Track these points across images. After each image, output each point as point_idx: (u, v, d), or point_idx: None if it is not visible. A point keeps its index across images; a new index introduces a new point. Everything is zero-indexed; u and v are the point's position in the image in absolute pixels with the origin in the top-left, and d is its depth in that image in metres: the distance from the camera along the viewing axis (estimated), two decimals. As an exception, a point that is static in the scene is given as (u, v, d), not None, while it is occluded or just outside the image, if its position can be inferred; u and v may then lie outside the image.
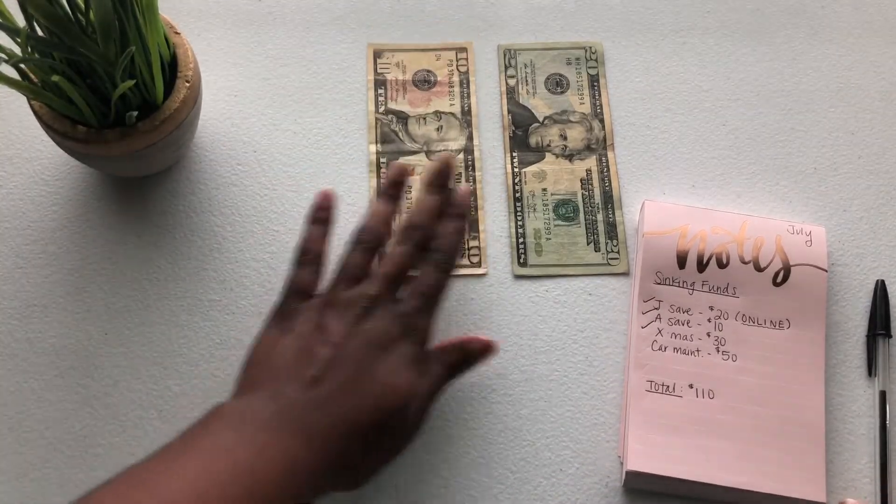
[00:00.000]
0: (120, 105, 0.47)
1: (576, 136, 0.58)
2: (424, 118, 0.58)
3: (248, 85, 0.59)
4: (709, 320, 0.51)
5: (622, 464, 0.48)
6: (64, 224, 0.54)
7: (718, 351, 0.50)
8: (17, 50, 0.45)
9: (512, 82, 0.60)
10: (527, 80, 0.60)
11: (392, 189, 0.49)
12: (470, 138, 0.58)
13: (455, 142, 0.57)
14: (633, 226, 0.55)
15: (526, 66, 0.60)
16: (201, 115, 0.55)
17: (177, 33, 0.51)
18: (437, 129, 0.58)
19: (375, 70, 0.59)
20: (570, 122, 0.58)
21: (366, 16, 0.61)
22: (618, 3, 0.63)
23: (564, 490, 0.48)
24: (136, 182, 0.55)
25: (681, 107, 0.59)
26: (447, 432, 0.49)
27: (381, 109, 0.58)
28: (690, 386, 0.49)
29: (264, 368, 0.43)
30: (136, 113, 0.47)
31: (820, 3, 0.63)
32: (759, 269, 0.52)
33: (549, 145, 0.58)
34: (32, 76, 0.47)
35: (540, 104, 0.59)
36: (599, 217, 0.55)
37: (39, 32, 0.44)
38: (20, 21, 0.45)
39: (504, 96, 0.59)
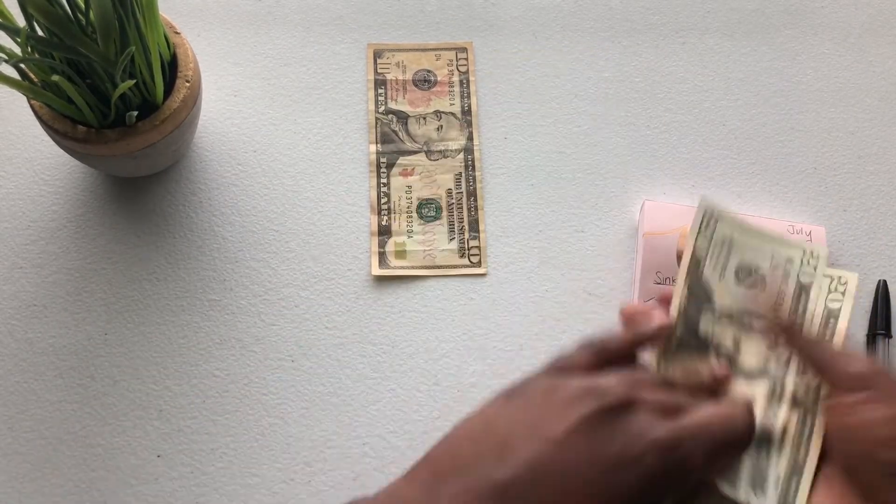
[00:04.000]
0: (120, 105, 0.47)
1: (450, 136, 0.57)
2: (424, 118, 0.58)
3: (248, 85, 0.59)
4: (709, 320, 0.51)
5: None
6: (64, 224, 0.54)
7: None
8: (17, 50, 0.45)
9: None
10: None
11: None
12: (470, 138, 0.58)
13: (455, 142, 0.57)
14: (633, 226, 0.55)
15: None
16: (201, 115, 0.55)
17: (177, 33, 0.51)
18: (437, 129, 0.58)
19: (375, 70, 0.59)
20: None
21: (366, 16, 0.61)
22: (618, 3, 0.63)
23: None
24: (136, 182, 0.55)
25: (681, 107, 0.59)
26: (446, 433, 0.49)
27: (382, 109, 0.58)
28: (690, 386, 0.49)
29: (445, 452, 0.35)
30: (136, 113, 0.47)
31: (820, 3, 0.63)
32: (759, 269, 0.52)
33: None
34: (32, 76, 0.47)
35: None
36: None
37: (39, 32, 0.44)
38: (20, 21, 0.45)
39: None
